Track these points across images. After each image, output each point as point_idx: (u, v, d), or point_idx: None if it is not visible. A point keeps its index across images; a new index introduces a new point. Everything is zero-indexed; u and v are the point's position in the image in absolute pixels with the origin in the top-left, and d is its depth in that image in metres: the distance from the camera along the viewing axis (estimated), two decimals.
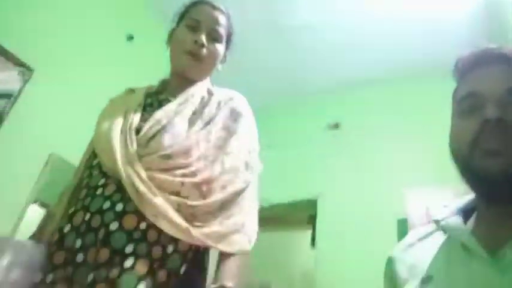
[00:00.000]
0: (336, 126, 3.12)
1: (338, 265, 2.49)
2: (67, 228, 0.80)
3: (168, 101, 0.98)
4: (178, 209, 0.79)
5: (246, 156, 0.95)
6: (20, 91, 1.86)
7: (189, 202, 0.80)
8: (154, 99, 1.01)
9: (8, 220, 1.74)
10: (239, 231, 0.86)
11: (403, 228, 2.28)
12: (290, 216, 3.12)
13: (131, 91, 1.07)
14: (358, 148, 2.91)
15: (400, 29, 2.68)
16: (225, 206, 0.86)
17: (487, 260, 0.48)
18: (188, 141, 0.87)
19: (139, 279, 0.72)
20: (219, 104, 1.00)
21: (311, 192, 2.88)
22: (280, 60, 3.09)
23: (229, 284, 0.79)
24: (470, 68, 0.60)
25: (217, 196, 0.84)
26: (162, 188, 0.80)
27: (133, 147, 0.85)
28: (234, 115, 1.00)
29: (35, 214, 1.87)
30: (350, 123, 3.07)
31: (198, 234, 0.78)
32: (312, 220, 2.87)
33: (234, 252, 0.84)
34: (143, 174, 0.80)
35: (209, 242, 0.80)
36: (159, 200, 0.77)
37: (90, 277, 0.72)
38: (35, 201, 1.87)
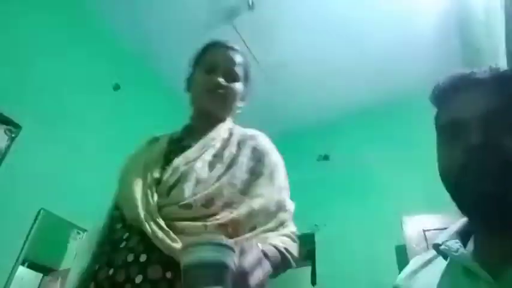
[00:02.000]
0: (326, 157, 3.14)
1: None
2: (91, 287, 0.77)
3: (189, 147, 0.93)
4: None
5: (276, 196, 0.91)
6: (7, 148, 1.85)
7: None
8: (177, 146, 0.98)
9: None
10: None
11: (401, 254, 2.27)
12: None
13: (155, 139, 1.04)
14: (350, 178, 2.93)
15: (386, 55, 2.74)
16: None
17: (492, 284, 0.49)
18: (211, 190, 0.82)
19: None
20: (239, 144, 0.96)
21: (307, 226, 2.85)
22: (266, 97, 3.15)
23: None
24: (447, 95, 0.62)
25: (245, 235, 0.79)
26: (184, 233, 0.76)
27: (154, 198, 0.82)
28: (257, 155, 0.95)
29: (24, 275, 1.80)
30: (340, 154, 3.11)
31: None
32: (310, 255, 2.82)
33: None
34: (162, 222, 0.77)
35: None
36: (179, 245, 0.73)
37: None
38: (24, 262, 1.81)
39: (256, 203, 0.84)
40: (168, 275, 0.73)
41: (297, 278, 4.23)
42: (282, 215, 0.91)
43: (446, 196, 0.61)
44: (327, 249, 2.70)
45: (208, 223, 0.78)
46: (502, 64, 1.40)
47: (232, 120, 1.09)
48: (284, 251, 0.84)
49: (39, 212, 1.91)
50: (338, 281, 2.51)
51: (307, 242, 2.82)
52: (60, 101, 2.19)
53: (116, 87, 2.52)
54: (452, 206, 0.61)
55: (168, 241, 0.74)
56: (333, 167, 3.07)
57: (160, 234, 0.75)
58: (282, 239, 0.87)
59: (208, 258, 0.55)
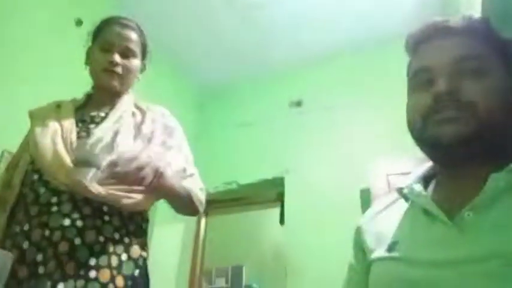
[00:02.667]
0: (299, 103, 3.16)
1: (307, 239, 2.57)
2: (26, 245, 0.87)
3: (100, 117, 1.07)
4: None
5: (183, 164, 1.12)
6: None
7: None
8: (85, 114, 1.09)
9: None
10: None
11: (366, 197, 2.38)
12: (259, 195, 3.16)
13: (58, 106, 1.12)
14: (321, 124, 2.98)
15: (356, 2, 2.70)
16: None
17: (448, 223, 0.52)
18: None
19: (103, 286, 0.85)
20: (153, 121, 1.12)
21: (278, 169, 2.93)
22: (241, 39, 3.06)
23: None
24: (420, 42, 0.62)
25: None
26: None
27: None
28: (168, 130, 1.14)
29: None
30: (312, 99, 3.12)
31: None
32: (280, 197, 2.93)
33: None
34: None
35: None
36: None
37: (59, 286, 0.82)
38: None
39: (168, 170, 1.02)
40: (101, 239, 0.90)
41: (266, 218, 4.44)
42: (190, 179, 1.12)
43: (410, 142, 0.63)
44: (296, 192, 2.80)
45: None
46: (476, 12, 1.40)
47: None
48: (190, 188, 1.08)
49: (2, 153, 1.84)
50: (305, 222, 2.65)
51: (277, 185, 2.92)
52: (18, 35, 2.03)
53: (79, 23, 2.35)
54: (416, 152, 0.64)
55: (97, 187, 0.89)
56: (305, 112, 3.10)
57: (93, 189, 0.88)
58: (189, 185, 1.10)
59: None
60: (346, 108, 2.93)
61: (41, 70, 2.09)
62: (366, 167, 2.38)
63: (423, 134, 0.57)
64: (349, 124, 2.86)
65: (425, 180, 0.64)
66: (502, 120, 0.55)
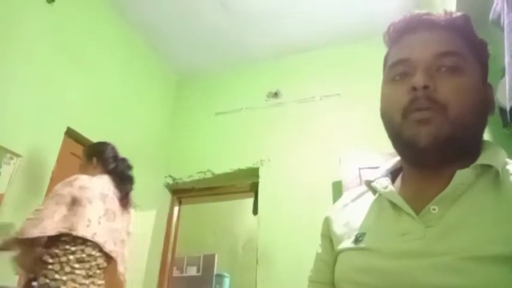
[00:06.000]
0: (276, 94, 3.16)
1: (279, 229, 2.60)
2: None
3: None
4: None
5: None
6: None
7: None
8: None
9: None
10: None
11: (338, 190, 2.43)
12: (233, 185, 3.16)
13: None
14: (297, 115, 3.00)
15: None
16: None
17: (414, 217, 0.53)
18: None
19: None
20: None
21: (253, 160, 2.93)
22: (220, 28, 3.02)
23: None
24: (400, 34, 0.62)
25: None
26: None
27: None
28: None
29: None
30: (289, 91, 3.13)
31: None
32: (254, 188, 2.94)
33: None
34: None
35: None
36: None
37: None
38: None
39: None
40: None
41: (240, 208, 4.46)
42: None
43: (383, 137, 0.64)
44: (270, 183, 2.82)
45: None
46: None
47: None
48: None
49: None
50: (278, 213, 2.67)
51: (251, 176, 2.93)
52: None
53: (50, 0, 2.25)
54: (389, 146, 0.65)
55: None
56: (282, 104, 3.11)
57: None
58: None
59: None
60: (323, 101, 2.96)
61: (7, 51, 1.99)
62: (338, 160, 2.42)
63: (401, 133, 0.57)
64: (324, 117, 2.90)
65: (394, 173, 0.65)
66: (473, 121, 0.56)
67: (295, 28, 3.01)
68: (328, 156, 2.66)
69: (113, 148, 1.86)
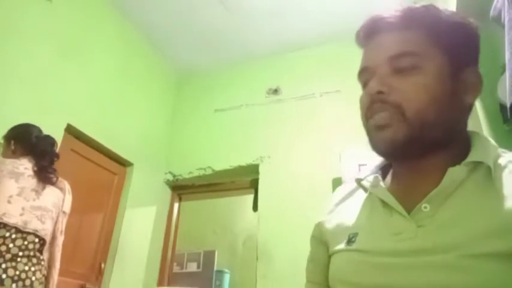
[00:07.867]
0: (276, 91, 3.16)
1: (278, 226, 2.61)
2: None
3: None
4: None
5: None
6: None
7: None
8: None
9: None
10: None
11: (337, 186, 2.43)
12: (233, 182, 3.16)
13: None
14: (297, 112, 3.00)
15: None
16: None
17: (405, 216, 0.53)
18: None
19: None
20: None
21: (253, 157, 2.93)
22: (220, 25, 3.01)
23: None
24: (362, 42, 0.62)
25: None
26: None
27: None
28: None
29: None
30: (289, 87, 3.13)
31: None
32: (254, 184, 2.94)
33: None
34: None
35: None
36: None
37: None
38: None
39: None
40: None
41: (240, 204, 4.46)
42: None
43: None
44: (270, 180, 2.82)
45: None
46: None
47: None
48: None
49: None
50: (278, 209, 2.68)
51: (251, 172, 2.93)
52: None
53: None
54: None
55: None
56: (282, 100, 3.11)
57: None
58: None
59: None
60: (323, 98, 2.96)
61: (8, 49, 1.99)
62: (339, 156, 2.42)
63: (369, 139, 0.59)
64: (324, 113, 2.90)
65: (384, 169, 0.65)
66: (440, 114, 0.54)
67: (295, 25, 3.00)
68: (328, 153, 2.66)
69: (32, 128, 1.76)
